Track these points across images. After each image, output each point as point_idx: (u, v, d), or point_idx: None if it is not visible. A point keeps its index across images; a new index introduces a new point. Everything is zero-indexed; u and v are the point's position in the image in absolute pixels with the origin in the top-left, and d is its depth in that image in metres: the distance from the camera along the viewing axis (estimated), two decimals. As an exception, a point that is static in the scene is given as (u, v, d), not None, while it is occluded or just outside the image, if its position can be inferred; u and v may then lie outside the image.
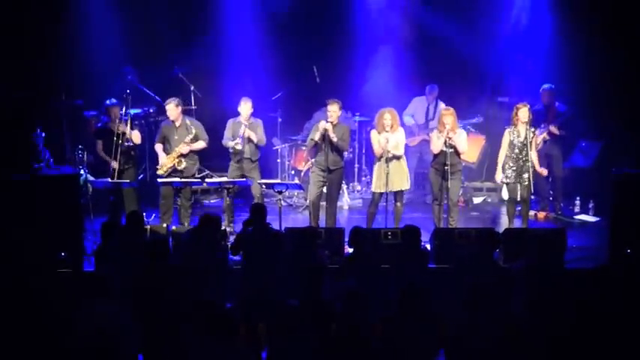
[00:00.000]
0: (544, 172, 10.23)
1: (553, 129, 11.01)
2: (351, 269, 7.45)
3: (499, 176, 10.14)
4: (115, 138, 9.95)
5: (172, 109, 10.18)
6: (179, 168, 10.15)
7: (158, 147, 10.30)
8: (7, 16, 10.66)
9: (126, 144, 10.01)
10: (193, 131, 10.15)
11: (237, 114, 10.36)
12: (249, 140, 10.26)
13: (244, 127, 10.22)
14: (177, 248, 8.49)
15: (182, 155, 10.15)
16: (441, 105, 11.62)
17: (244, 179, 10.25)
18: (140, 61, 12.32)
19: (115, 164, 9.91)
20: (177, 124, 10.23)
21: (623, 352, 6.13)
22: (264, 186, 10.32)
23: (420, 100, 12.34)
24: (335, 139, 9.67)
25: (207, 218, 7.58)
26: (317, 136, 9.76)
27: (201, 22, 12.47)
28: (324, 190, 10.07)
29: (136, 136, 10.23)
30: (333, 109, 9.79)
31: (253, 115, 10.40)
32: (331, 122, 9.75)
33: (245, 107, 10.28)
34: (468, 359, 5.96)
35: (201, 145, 10.28)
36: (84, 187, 10.24)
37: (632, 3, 11.26)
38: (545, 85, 11.26)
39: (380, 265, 7.57)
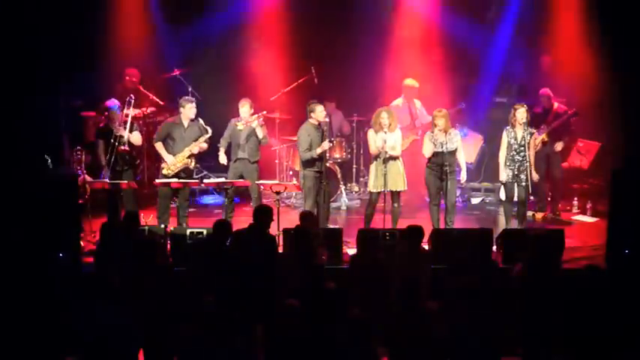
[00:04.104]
0: (535, 176, 10.03)
1: (545, 137, 11.01)
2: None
3: (502, 176, 10.07)
4: (112, 140, 9.97)
5: (192, 108, 10.14)
6: (191, 167, 10.13)
7: (159, 145, 10.20)
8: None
9: (122, 147, 9.98)
10: (209, 132, 10.14)
11: (236, 115, 10.37)
12: (254, 136, 10.26)
13: (257, 116, 10.26)
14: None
15: (192, 155, 10.13)
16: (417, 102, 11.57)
17: (242, 180, 10.24)
18: (139, 62, 12.32)
19: (105, 171, 9.96)
20: (186, 124, 10.17)
21: (620, 352, 6.16)
22: (262, 187, 10.33)
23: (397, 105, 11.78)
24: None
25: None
26: (318, 152, 9.92)
27: (198, 20, 12.48)
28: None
29: (136, 138, 10.26)
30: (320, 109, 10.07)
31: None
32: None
33: (244, 109, 10.27)
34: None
35: (205, 146, 10.27)
36: (82, 187, 10.24)
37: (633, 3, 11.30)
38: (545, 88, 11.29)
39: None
